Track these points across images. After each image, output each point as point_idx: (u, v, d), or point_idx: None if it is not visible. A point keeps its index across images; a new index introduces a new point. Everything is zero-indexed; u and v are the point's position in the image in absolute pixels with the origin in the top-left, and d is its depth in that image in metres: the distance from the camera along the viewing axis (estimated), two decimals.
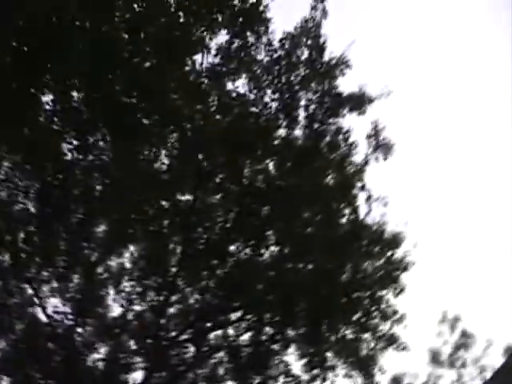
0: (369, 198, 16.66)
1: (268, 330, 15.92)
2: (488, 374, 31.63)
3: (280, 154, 15.56)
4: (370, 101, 16.39)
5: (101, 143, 12.94)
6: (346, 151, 16.48)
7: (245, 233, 15.06)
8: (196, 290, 15.62)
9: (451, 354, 33.07)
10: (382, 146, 16.77)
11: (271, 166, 15.67)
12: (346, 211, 16.24)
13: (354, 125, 16.58)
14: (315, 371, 15.95)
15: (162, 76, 12.58)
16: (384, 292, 16.38)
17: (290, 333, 15.99)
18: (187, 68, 13.79)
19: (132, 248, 15.24)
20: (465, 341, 33.23)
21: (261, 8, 14.41)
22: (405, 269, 16.63)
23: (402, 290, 16.52)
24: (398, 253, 16.68)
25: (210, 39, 14.04)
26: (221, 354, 16.08)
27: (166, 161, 14.22)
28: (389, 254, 16.60)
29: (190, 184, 14.69)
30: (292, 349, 16.12)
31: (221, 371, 16.08)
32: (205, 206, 15.04)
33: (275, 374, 15.97)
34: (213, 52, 14.35)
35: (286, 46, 15.27)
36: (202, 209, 14.97)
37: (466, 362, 33.02)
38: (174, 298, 15.51)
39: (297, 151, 15.62)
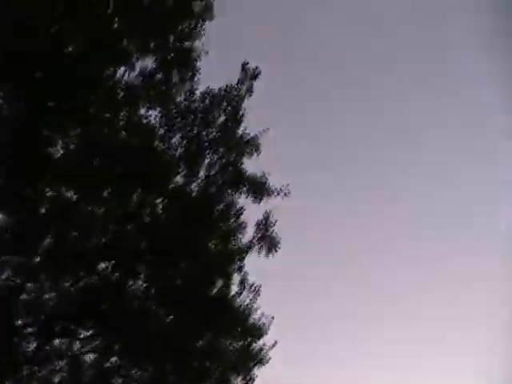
0: (243, 280, 16.19)
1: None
2: None
3: (172, 200, 15.26)
4: (268, 192, 16.58)
5: None
6: (235, 227, 16.31)
7: (118, 255, 14.22)
8: (56, 288, 14.19)
9: None
10: (267, 239, 16.66)
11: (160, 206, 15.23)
12: (220, 282, 15.66)
13: (248, 207, 16.67)
14: None
15: None
16: (232, 377, 15.30)
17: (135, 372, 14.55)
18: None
19: None
20: None
21: (194, 54, 15.11)
22: (260, 362, 15.73)
23: (251, 381, 15.46)
24: (257, 344, 15.86)
25: (137, 59, 14.43)
26: (62, 362, 14.32)
27: None
28: (248, 340, 15.77)
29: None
30: None
31: (56, 379, 14.21)
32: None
33: None
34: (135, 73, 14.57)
35: (206, 102, 15.70)
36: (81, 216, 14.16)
37: None
38: (30, 285, 13.99)
39: (189, 203, 15.38)
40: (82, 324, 14.30)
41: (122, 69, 14.22)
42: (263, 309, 16.14)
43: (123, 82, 14.36)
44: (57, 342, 14.53)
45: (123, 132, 14.30)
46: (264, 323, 16.08)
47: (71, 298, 13.96)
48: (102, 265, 14.45)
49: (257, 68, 16.12)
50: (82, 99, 13.36)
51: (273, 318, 16.18)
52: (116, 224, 14.54)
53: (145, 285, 14.76)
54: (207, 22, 14.98)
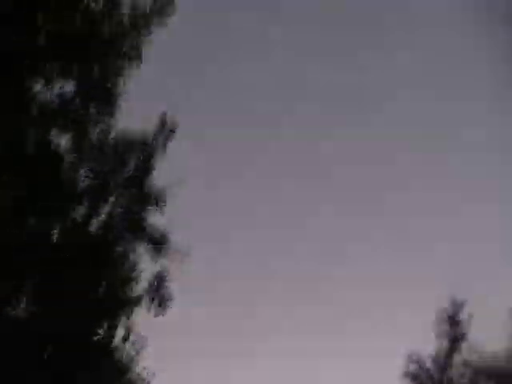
0: (129, 330, 15.50)
1: None
2: None
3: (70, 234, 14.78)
4: (169, 249, 16.39)
5: None
6: (130, 273, 15.84)
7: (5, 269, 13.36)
8: None
9: None
10: (160, 296, 16.22)
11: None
12: (106, 324, 14.90)
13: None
14: None
15: None
16: None
17: None
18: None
19: None
20: None
21: (116, 92, 15.29)
22: None
23: None
24: None
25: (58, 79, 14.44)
26: None
27: None
28: None
29: None
30: None
31: None
32: None
33: None
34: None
35: (120, 143, 15.72)
36: None
37: None
38: None
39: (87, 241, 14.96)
40: None
41: (39, 85, 14.11)
42: (147, 362, 15.32)
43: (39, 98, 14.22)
44: None
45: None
46: (144, 378, 15.21)
47: None
48: None
49: (175, 120, 16.37)
50: None
51: (154, 374, 15.37)
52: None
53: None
54: (135, 65, 15.34)
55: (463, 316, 29.58)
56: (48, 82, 14.19)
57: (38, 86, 14.05)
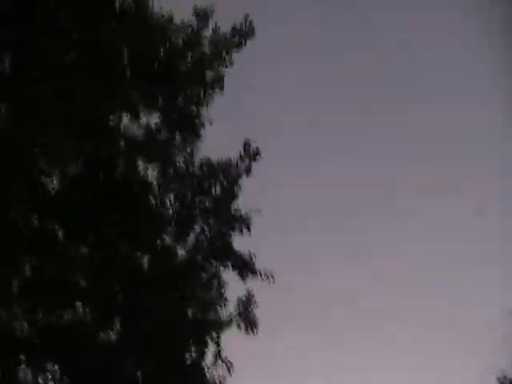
0: (218, 354, 15.66)
1: None
2: None
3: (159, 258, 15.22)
4: (254, 272, 16.51)
5: None
6: (216, 298, 16.07)
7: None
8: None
9: None
10: (247, 318, 16.33)
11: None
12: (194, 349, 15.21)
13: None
14: None
15: None
16: None
17: None
18: None
19: None
20: None
21: (198, 121, 15.74)
22: None
23: None
24: None
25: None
26: None
27: None
28: None
29: None
30: None
31: None
32: None
33: None
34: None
35: (204, 169, 16.08)
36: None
37: None
38: None
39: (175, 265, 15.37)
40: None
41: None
42: None
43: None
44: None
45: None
46: None
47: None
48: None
49: (257, 149, 16.61)
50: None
51: None
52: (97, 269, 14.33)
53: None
54: (216, 92, 15.75)
55: None
56: (135, 115, 14.81)
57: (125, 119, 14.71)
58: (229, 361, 15.61)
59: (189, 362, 15.03)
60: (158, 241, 15.20)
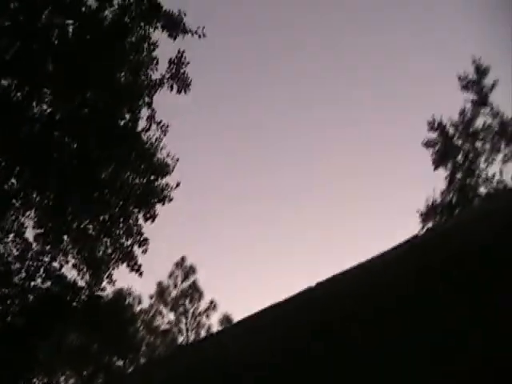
0: (151, 116, 15.81)
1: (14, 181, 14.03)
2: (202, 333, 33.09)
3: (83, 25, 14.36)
4: (184, 30, 15.86)
5: None
6: (147, 61, 15.72)
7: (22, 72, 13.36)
8: None
9: (176, 298, 32.99)
10: (179, 77, 16.18)
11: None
12: (127, 115, 15.31)
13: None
14: (47, 246, 14.23)
15: None
16: (136, 209, 15.28)
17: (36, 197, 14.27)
18: None
19: None
20: (192, 293, 33.10)
21: None
22: (162, 200, 15.72)
23: (153, 218, 15.52)
24: (161, 182, 15.79)
25: None
26: None
27: None
28: (152, 177, 15.67)
29: None
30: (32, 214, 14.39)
31: None
32: None
33: (5, 226, 13.94)
34: None
35: None
36: None
37: (187, 311, 33.10)
38: None
39: (101, 30, 14.58)
40: None
41: None
42: (169, 148, 15.94)
43: None
44: None
45: None
46: (169, 163, 15.93)
47: None
48: (4, 82, 13.60)
49: None
50: None
51: (178, 159, 16.05)
52: (22, 40, 13.56)
53: (49, 110, 14.09)
54: None
55: (487, 81, 28.82)
56: None
57: None
58: (163, 124, 15.92)
59: (123, 128, 15.20)
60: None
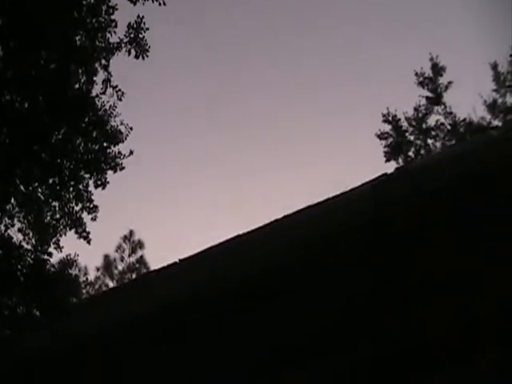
0: (107, 80, 15.44)
1: None
2: None
3: None
4: None
5: None
6: (104, 23, 15.31)
7: None
8: None
9: (123, 273, 32.79)
10: (137, 43, 15.82)
11: None
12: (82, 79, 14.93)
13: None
14: None
15: None
16: (87, 175, 14.97)
17: None
18: None
19: None
20: (139, 267, 32.92)
21: None
22: (114, 168, 15.45)
23: (103, 185, 15.24)
24: (113, 150, 15.50)
25: None
26: None
27: None
28: (104, 144, 15.38)
29: None
30: None
31: None
32: None
33: None
34: None
35: None
36: None
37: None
38: None
39: None
40: None
41: None
42: (123, 117, 15.63)
43: None
44: None
45: None
46: (122, 131, 15.64)
47: None
48: None
49: None
50: None
51: (131, 128, 15.76)
52: None
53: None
54: None
55: (442, 80, 29.26)
56: None
57: None
58: (119, 88, 15.56)
59: (77, 91, 14.85)
60: None
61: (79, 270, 32.76)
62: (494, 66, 29.68)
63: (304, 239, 3.48)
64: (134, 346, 3.64)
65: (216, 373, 3.41)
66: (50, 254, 14.83)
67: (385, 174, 3.62)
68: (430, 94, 28.69)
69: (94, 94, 15.34)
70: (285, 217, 3.39)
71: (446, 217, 3.21)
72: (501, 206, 3.15)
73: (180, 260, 3.95)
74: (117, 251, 35.42)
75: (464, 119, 28.63)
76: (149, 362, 3.49)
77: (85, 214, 14.97)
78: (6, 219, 14.55)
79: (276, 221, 3.40)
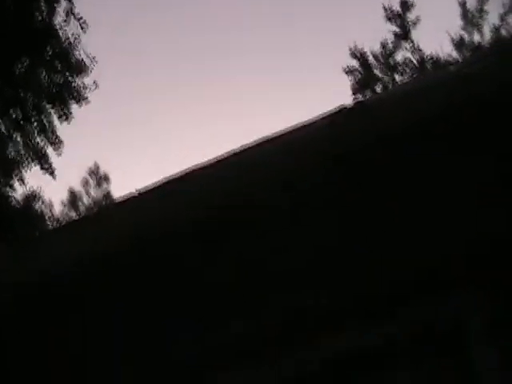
0: (70, 10, 15.08)
1: None
2: None
3: None
4: None
5: None
6: None
7: None
8: None
9: (88, 208, 32.89)
10: None
11: None
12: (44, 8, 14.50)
13: None
14: None
15: None
16: (50, 107, 14.79)
17: None
18: None
19: None
20: (105, 202, 33.04)
21: None
22: (78, 100, 15.28)
23: (67, 117, 15.08)
24: (78, 82, 15.28)
25: None
26: None
27: None
28: (69, 76, 15.15)
29: None
30: None
31: None
32: None
33: None
34: None
35: None
36: None
37: None
38: None
39: None
40: None
41: None
42: (88, 49, 15.36)
43: None
44: None
45: None
46: (87, 63, 15.39)
47: None
48: None
49: None
50: None
51: (96, 60, 15.52)
52: None
53: None
54: None
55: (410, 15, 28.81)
56: None
57: None
58: (84, 20, 15.23)
59: (39, 23, 14.50)
60: None
61: (44, 206, 32.48)
62: (463, 4, 29.42)
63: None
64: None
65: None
66: (14, 189, 14.78)
67: (344, 108, 3.64)
68: (397, 30, 28.46)
69: (57, 25, 15.01)
70: (236, 154, 3.34)
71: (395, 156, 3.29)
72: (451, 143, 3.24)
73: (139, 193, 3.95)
74: (82, 186, 35.20)
75: (431, 56, 28.57)
76: (110, 302, 3.52)
77: (50, 150, 14.84)
78: None
79: (226, 158, 3.37)
